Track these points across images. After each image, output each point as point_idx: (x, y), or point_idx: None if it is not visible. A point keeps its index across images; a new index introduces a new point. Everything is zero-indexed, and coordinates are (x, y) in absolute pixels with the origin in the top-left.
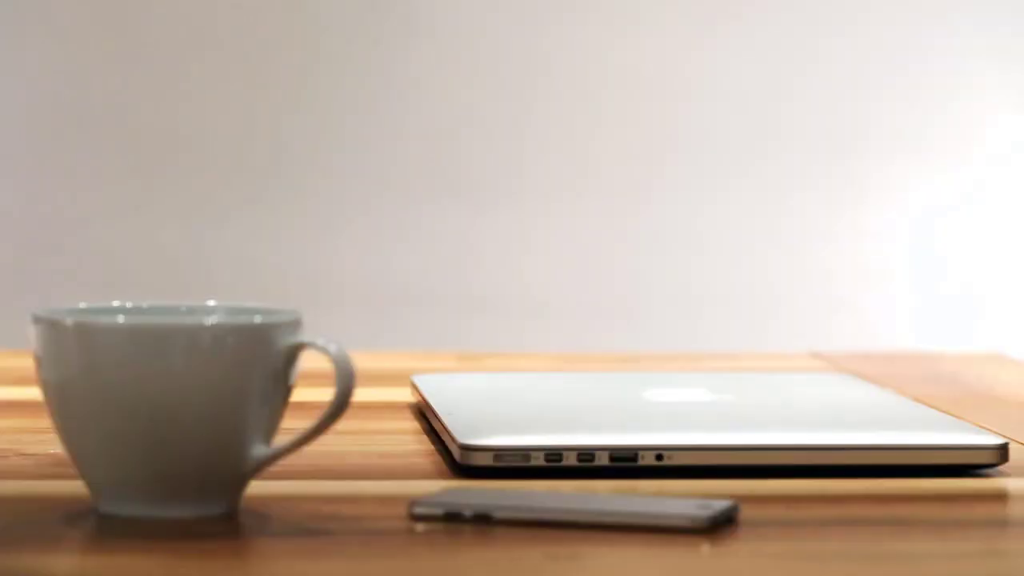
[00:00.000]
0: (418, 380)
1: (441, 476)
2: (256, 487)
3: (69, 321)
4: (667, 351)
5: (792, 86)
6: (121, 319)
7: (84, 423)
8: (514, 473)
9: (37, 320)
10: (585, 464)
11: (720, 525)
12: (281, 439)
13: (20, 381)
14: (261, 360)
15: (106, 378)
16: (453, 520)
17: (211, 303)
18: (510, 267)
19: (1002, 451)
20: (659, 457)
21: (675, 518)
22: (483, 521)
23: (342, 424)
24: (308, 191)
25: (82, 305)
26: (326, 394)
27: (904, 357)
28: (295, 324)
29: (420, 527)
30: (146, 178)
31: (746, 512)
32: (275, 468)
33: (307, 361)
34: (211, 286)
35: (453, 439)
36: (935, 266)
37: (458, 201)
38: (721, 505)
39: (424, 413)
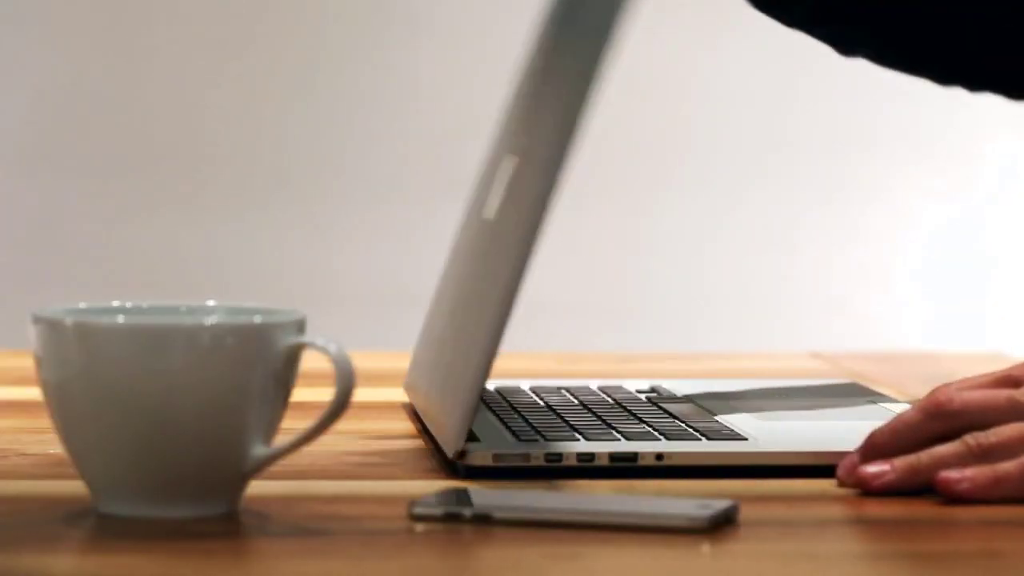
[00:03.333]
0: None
1: (441, 476)
2: (256, 487)
3: (69, 321)
4: (667, 351)
5: (794, 88)
6: (121, 319)
7: (84, 423)
8: (514, 473)
9: (37, 320)
10: (585, 464)
11: (720, 525)
12: (281, 439)
13: (20, 381)
14: (261, 360)
15: (106, 378)
16: (453, 520)
17: (211, 303)
18: None
19: None
20: (659, 457)
21: (675, 518)
22: (483, 521)
23: (342, 424)
24: (308, 192)
25: (82, 305)
26: (326, 394)
27: (904, 357)
28: (295, 324)
29: (420, 527)
30: (146, 178)
31: (746, 512)
32: (275, 468)
33: (307, 361)
34: (211, 286)
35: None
36: (936, 266)
37: (458, 201)
38: (721, 505)
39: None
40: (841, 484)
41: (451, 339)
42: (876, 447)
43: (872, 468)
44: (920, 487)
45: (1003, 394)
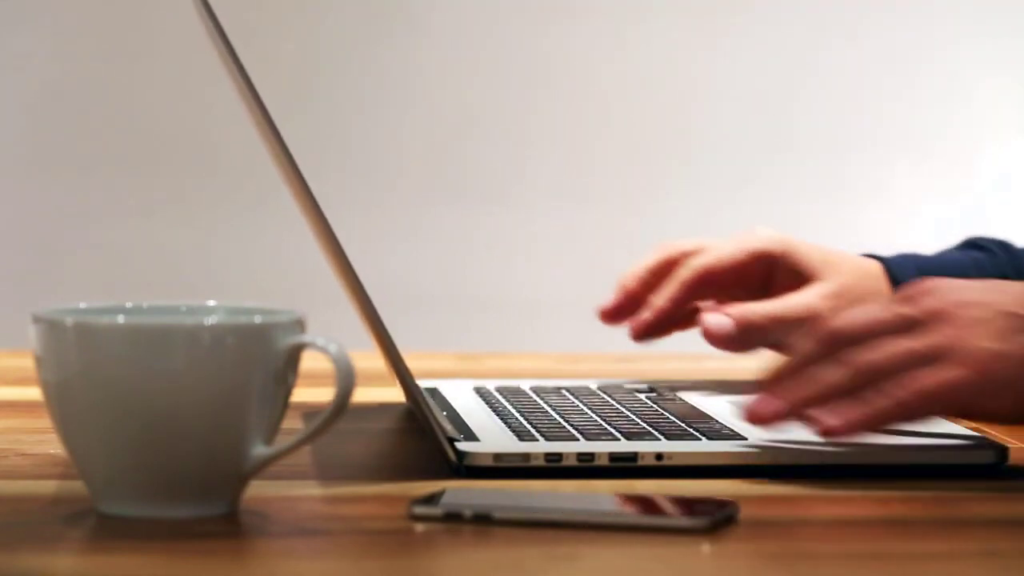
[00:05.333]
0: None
1: (441, 476)
2: (256, 487)
3: (69, 321)
4: (667, 351)
5: (795, 87)
6: (121, 319)
7: (84, 423)
8: (514, 473)
9: (37, 320)
10: (585, 464)
11: (720, 525)
12: (281, 439)
13: (20, 381)
14: (261, 360)
15: (106, 378)
16: (453, 520)
17: (211, 303)
18: (510, 267)
19: (1001, 452)
20: (659, 457)
21: (675, 518)
22: (483, 521)
23: (342, 424)
24: None
25: (82, 305)
26: (326, 394)
27: None
28: (295, 324)
29: (420, 527)
30: (146, 178)
31: (746, 512)
32: (275, 468)
33: (307, 361)
34: (211, 286)
35: (452, 439)
36: None
37: (458, 201)
38: (721, 505)
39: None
40: (748, 421)
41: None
42: (779, 382)
43: (767, 403)
44: (805, 411)
45: (890, 310)
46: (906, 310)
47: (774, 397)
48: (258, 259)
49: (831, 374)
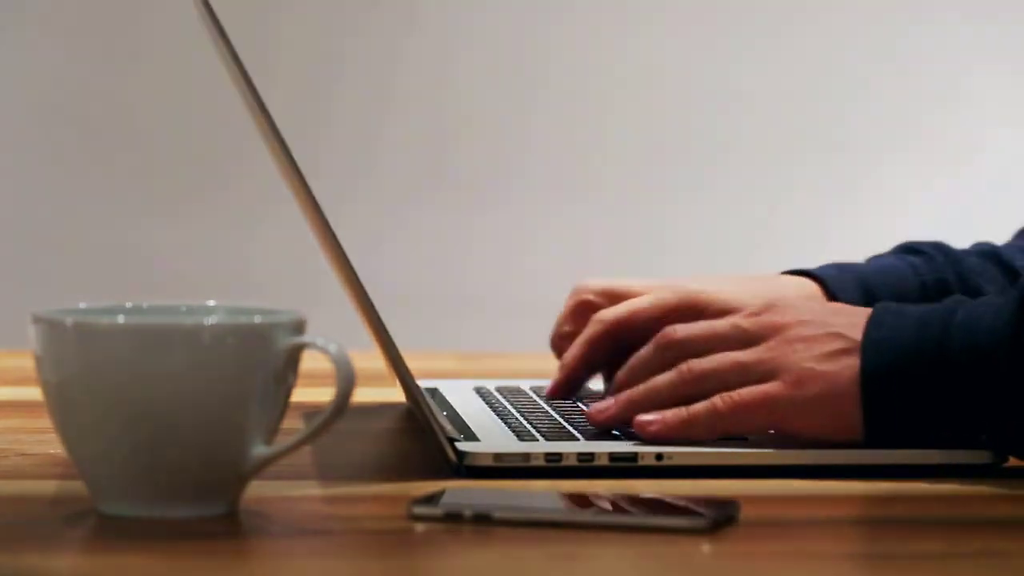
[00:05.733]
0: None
1: (441, 476)
2: (256, 487)
3: (69, 321)
4: None
5: (794, 88)
6: (121, 319)
7: (84, 423)
8: (514, 473)
9: (37, 320)
10: (585, 464)
11: (720, 525)
12: (281, 439)
13: (20, 381)
14: (261, 360)
15: (106, 378)
16: (453, 520)
17: (211, 303)
18: (509, 267)
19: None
20: (659, 457)
21: (675, 518)
22: (483, 521)
23: (342, 424)
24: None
25: (82, 305)
26: (326, 394)
27: None
28: (295, 324)
29: (420, 527)
30: (146, 179)
31: (746, 512)
32: (275, 468)
33: (307, 361)
34: (211, 286)
35: (452, 439)
36: None
37: (457, 201)
38: (721, 505)
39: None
40: (590, 423)
41: None
42: (618, 385)
43: (597, 405)
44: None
45: (727, 322)
46: (745, 324)
47: (611, 400)
48: (258, 259)
49: (662, 379)
